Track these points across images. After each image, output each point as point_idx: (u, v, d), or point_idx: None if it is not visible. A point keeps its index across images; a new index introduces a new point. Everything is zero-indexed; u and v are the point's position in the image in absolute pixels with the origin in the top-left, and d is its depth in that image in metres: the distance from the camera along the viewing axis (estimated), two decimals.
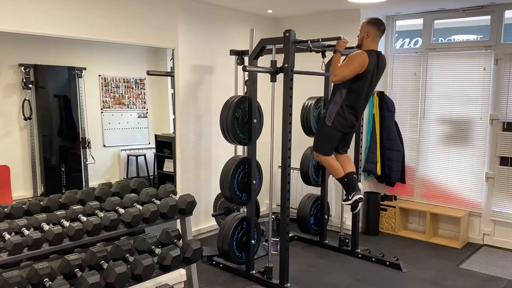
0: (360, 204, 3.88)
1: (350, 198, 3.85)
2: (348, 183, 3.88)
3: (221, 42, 5.11)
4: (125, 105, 6.19)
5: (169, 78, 6.24)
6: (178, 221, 3.13)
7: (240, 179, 4.05)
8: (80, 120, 5.71)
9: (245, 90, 4.42)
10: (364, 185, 5.37)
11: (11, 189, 4.93)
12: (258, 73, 4.04)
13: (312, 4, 5.00)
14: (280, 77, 3.69)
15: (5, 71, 5.00)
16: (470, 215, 5.14)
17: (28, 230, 2.50)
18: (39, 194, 5.24)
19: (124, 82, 6.15)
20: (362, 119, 4.36)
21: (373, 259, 4.49)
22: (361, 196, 3.86)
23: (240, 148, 4.67)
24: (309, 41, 3.69)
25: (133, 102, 6.27)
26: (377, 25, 3.69)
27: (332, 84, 3.84)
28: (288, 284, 3.79)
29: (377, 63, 3.70)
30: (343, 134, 3.88)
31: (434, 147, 5.37)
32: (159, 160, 6.40)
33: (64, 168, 5.59)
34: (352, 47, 3.93)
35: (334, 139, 3.86)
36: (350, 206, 3.91)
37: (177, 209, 2.98)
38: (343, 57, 3.84)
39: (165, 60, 6.05)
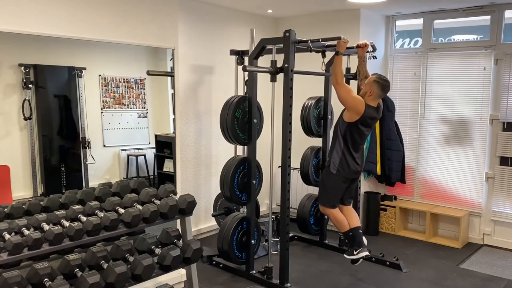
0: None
1: (355, 253, 3.79)
2: (354, 238, 3.85)
3: (221, 42, 5.11)
4: (125, 105, 6.18)
5: (169, 78, 6.24)
6: (178, 221, 3.13)
7: (240, 179, 4.05)
8: (80, 120, 5.71)
9: (245, 90, 4.41)
10: (364, 185, 5.38)
11: (11, 189, 4.93)
12: (258, 73, 4.04)
13: (312, 4, 5.00)
14: (280, 77, 3.69)
15: (5, 71, 4.99)
16: (470, 215, 5.14)
17: (28, 230, 2.50)
18: (39, 194, 5.23)
19: (124, 82, 6.14)
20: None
21: (373, 259, 4.48)
22: (368, 253, 3.82)
23: (240, 148, 4.67)
24: (309, 41, 3.69)
25: (133, 102, 6.27)
26: (382, 87, 3.68)
27: (333, 83, 3.84)
28: (288, 284, 3.79)
29: (373, 116, 3.72)
30: (349, 183, 3.89)
31: (434, 147, 5.37)
32: (159, 160, 6.39)
33: (64, 168, 5.58)
34: (352, 47, 3.93)
35: (340, 188, 3.86)
36: (350, 260, 3.85)
37: (177, 209, 2.98)
38: (344, 57, 3.84)
39: (165, 60, 6.05)
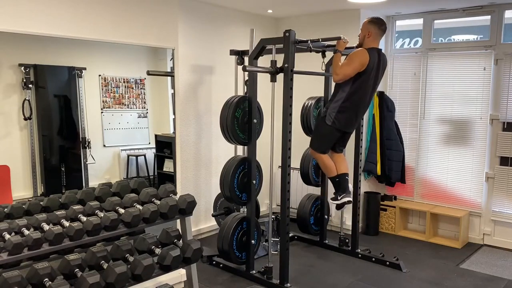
0: (346, 205, 3.93)
1: (339, 198, 3.88)
2: (339, 183, 3.91)
3: (221, 42, 5.11)
4: (125, 105, 6.18)
5: (169, 78, 6.24)
6: (178, 221, 3.13)
7: (240, 179, 4.05)
8: (80, 120, 5.71)
9: (245, 90, 4.42)
10: (364, 185, 5.37)
11: (11, 189, 4.93)
12: (258, 73, 4.04)
13: (312, 4, 5.00)
14: (280, 77, 3.70)
15: (5, 71, 4.99)
16: (470, 215, 5.15)
17: (28, 230, 2.50)
18: (39, 194, 5.23)
19: (124, 82, 6.14)
20: (362, 119, 4.36)
21: (373, 259, 4.49)
22: (350, 199, 3.90)
23: (240, 148, 4.67)
24: (309, 41, 3.69)
25: (133, 102, 6.27)
26: (378, 24, 3.70)
27: (334, 83, 3.84)
28: (288, 284, 3.79)
29: (378, 61, 3.70)
30: (342, 133, 3.89)
31: (434, 147, 5.37)
32: (159, 160, 6.39)
33: (64, 168, 5.58)
34: (352, 47, 3.93)
35: (333, 137, 3.87)
36: (335, 205, 3.95)
37: (177, 209, 2.98)
38: (343, 57, 3.84)
39: (165, 60, 6.04)
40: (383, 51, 5.47)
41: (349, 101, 3.71)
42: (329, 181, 4.81)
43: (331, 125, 3.77)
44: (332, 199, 3.96)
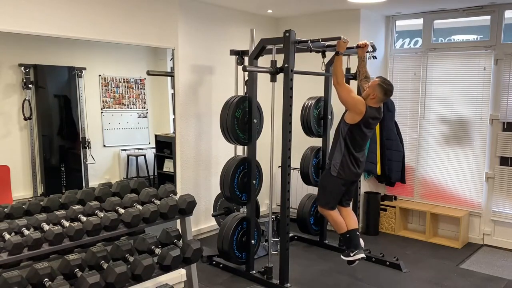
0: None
1: (351, 255, 3.83)
2: (351, 240, 3.88)
3: (221, 42, 5.11)
4: (125, 105, 6.18)
5: (169, 78, 6.24)
6: (178, 221, 3.13)
7: (240, 179, 4.05)
8: (80, 120, 5.71)
9: (245, 90, 4.41)
10: (364, 185, 5.38)
11: (11, 189, 4.93)
12: (258, 73, 4.04)
13: (312, 4, 5.00)
14: (280, 77, 3.70)
15: (5, 71, 4.99)
16: (470, 215, 5.14)
17: (28, 230, 2.50)
18: (39, 194, 5.23)
19: (124, 82, 6.14)
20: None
21: (373, 259, 4.48)
22: (364, 255, 3.85)
23: (240, 148, 4.67)
24: (309, 41, 3.69)
25: (133, 102, 6.27)
26: (385, 91, 3.68)
27: (333, 86, 3.84)
28: (288, 284, 3.79)
29: (375, 116, 3.73)
30: (348, 185, 3.91)
31: (434, 147, 5.37)
32: (159, 160, 6.39)
33: (64, 168, 5.59)
34: (352, 47, 3.93)
35: (339, 191, 3.88)
36: (347, 261, 3.88)
37: (177, 209, 2.98)
38: (344, 57, 3.84)
39: (165, 60, 6.05)
40: (383, 51, 5.51)
41: (348, 152, 3.74)
42: None
43: (337, 176, 3.79)
44: (344, 255, 3.90)
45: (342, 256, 3.92)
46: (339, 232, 3.95)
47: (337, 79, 3.66)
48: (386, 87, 3.67)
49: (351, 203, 4.10)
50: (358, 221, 4.66)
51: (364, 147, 3.90)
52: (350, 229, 3.89)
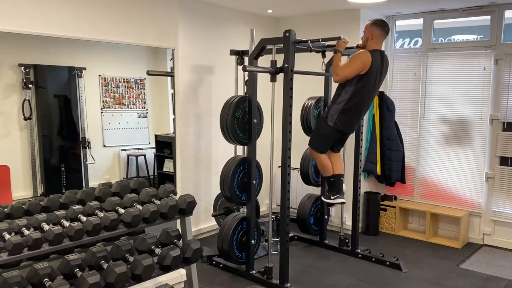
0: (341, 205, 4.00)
1: (332, 198, 3.91)
2: (334, 183, 3.94)
3: (221, 42, 5.11)
4: (125, 105, 6.18)
5: (169, 78, 6.23)
6: (178, 221, 3.13)
7: (240, 179, 4.05)
8: (80, 120, 5.70)
9: (245, 90, 4.41)
10: (364, 185, 5.38)
11: (11, 189, 4.93)
12: (258, 73, 4.04)
13: (312, 4, 5.00)
14: (280, 77, 3.70)
15: (5, 71, 4.99)
16: (470, 215, 5.14)
17: (28, 230, 2.50)
18: (39, 194, 5.23)
19: (124, 82, 6.14)
20: (362, 119, 4.36)
21: (373, 259, 4.49)
22: (344, 200, 3.94)
23: (240, 148, 4.67)
24: (309, 41, 3.69)
25: (133, 102, 6.27)
26: (381, 26, 3.70)
27: (334, 83, 3.84)
28: (288, 284, 3.79)
29: (381, 63, 3.70)
30: (342, 135, 3.90)
31: (434, 147, 5.37)
32: (159, 160, 6.39)
33: (64, 168, 5.58)
34: (352, 47, 3.93)
35: (332, 138, 3.89)
36: (326, 202, 4.00)
37: (177, 209, 2.98)
38: (344, 57, 3.84)
39: (165, 60, 6.04)
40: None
41: (351, 103, 3.70)
42: None
43: (333, 126, 3.78)
44: (325, 197, 4.00)
45: (322, 198, 4.06)
46: (324, 175, 4.00)
47: (336, 72, 3.66)
48: (380, 22, 3.72)
49: (341, 150, 4.11)
50: (358, 221, 4.67)
51: (369, 102, 3.84)
52: (335, 173, 3.93)
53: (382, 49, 3.81)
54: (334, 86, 3.97)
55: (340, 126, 3.77)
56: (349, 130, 3.89)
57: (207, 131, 5.12)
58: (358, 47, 3.93)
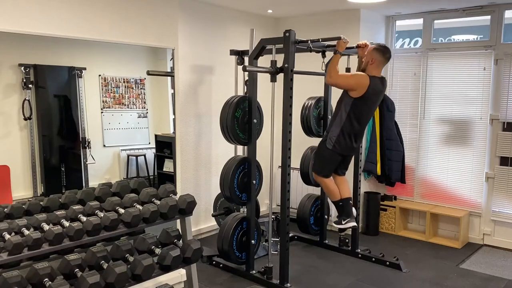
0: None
1: (342, 222, 3.87)
2: (343, 208, 3.90)
3: (221, 42, 5.11)
4: (125, 105, 6.18)
5: (169, 78, 6.23)
6: (178, 221, 3.13)
7: (240, 179, 4.05)
8: (80, 120, 5.70)
9: (245, 90, 4.41)
10: (364, 185, 5.38)
11: (11, 189, 4.92)
12: (258, 73, 4.04)
13: (312, 4, 5.00)
14: (280, 77, 3.69)
15: (5, 71, 4.99)
16: (470, 215, 5.14)
17: (28, 230, 2.50)
18: (39, 194, 5.23)
19: (124, 82, 6.14)
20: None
21: (373, 259, 4.49)
22: (355, 224, 3.90)
23: (240, 148, 4.67)
24: (309, 41, 3.69)
25: (133, 102, 6.26)
26: (383, 52, 3.67)
27: (329, 84, 3.84)
28: (288, 284, 3.79)
29: (380, 89, 3.70)
30: (343, 157, 3.90)
31: (434, 147, 5.37)
32: (159, 160, 6.39)
33: (64, 168, 5.58)
34: (352, 47, 3.93)
35: (334, 161, 3.87)
36: (338, 228, 3.96)
37: (177, 209, 2.98)
38: (344, 57, 3.83)
39: (165, 60, 6.04)
40: None
41: (348, 126, 3.71)
42: None
43: (332, 149, 3.78)
44: (336, 222, 3.94)
45: (334, 223, 3.99)
46: (332, 200, 3.98)
47: (330, 75, 3.63)
48: (382, 49, 3.67)
49: (346, 172, 4.09)
50: (358, 221, 4.67)
51: (364, 125, 3.85)
52: (343, 197, 3.91)
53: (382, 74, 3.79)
54: (328, 83, 3.94)
55: (339, 149, 3.78)
56: (348, 152, 3.88)
57: (207, 131, 5.12)
58: (358, 47, 3.92)
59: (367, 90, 3.59)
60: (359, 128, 3.76)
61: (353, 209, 3.98)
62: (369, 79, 3.59)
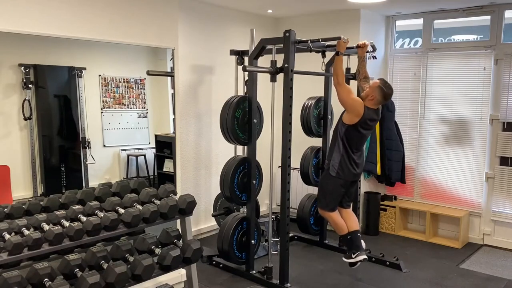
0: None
1: (353, 257, 3.82)
2: (352, 241, 3.87)
3: (221, 42, 5.11)
4: (125, 105, 6.17)
5: (169, 78, 6.23)
6: (178, 221, 3.13)
7: (240, 179, 4.05)
8: (80, 120, 5.70)
9: (245, 90, 4.41)
10: (364, 185, 5.38)
11: (11, 189, 4.92)
12: (258, 73, 4.04)
13: (312, 4, 4.99)
14: (280, 77, 3.70)
15: (5, 71, 4.99)
16: (470, 215, 5.14)
17: (28, 230, 2.50)
18: (39, 194, 5.22)
19: (124, 82, 6.13)
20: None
21: (373, 259, 4.48)
22: (366, 257, 3.83)
23: (240, 148, 4.67)
24: (309, 41, 3.69)
25: (133, 102, 6.26)
26: (384, 94, 3.68)
27: (335, 84, 3.84)
28: (288, 284, 3.79)
29: (373, 117, 3.73)
30: (348, 185, 3.90)
31: (434, 147, 5.37)
32: (159, 160, 6.39)
33: (64, 168, 5.58)
34: (352, 47, 3.93)
35: (339, 192, 3.87)
36: (349, 263, 3.88)
37: (177, 209, 2.98)
38: (344, 58, 3.83)
39: (165, 60, 6.04)
40: (383, 51, 5.51)
41: (346, 153, 3.74)
42: None
43: (336, 176, 3.79)
44: (346, 257, 3.90)
45: (344, 258, 3.91)
46: (340, 234, 3.95)
47: (338, 79, 3.66)
48: (386, 91, 3.67)
49: (352, 205, 4.09)
50: (358, 221, 4.66)
51: (362, 148, 3.90)
52: (351, 230, 3.89)
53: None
54: (334, 86, 3.95)
55: (343, 175, 3.79)
56: (352, 178, 3.88)
57: (207, 131, 5.12)
58: (358, 47, 3.93)
59: (360, 119, 3.64)
60: (355, 153, 3.78)
61: (362, 242, 3.92)
62: (364, 110, 3.63)
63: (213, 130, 5.08)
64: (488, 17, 4.90)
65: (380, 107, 3.80)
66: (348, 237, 3.88)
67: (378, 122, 5.24)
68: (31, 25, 3.61)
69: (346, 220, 3.93)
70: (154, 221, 2.87)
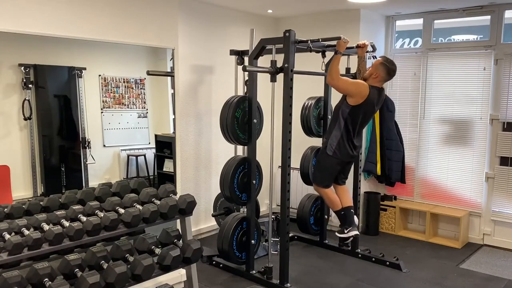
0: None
1: (345, 231, 3.86)
2: (345, 217, 3.91)
3: (221, 42, 5.11)
4: (125, 105, 6.18)
5: (169, 78, 6.23)
6: (178, 221, 3.13)
7: (240, 179, 4.05)
8: (80, 120, 5.70)
9: (245, 90, 4.41)
10: (364, 185, 5.38)
11: (11, 189, 4.92)
12: (258, 73, 4.04)
13: (312, 4, 5.00)
14: (280, 77, 3.70)
15: (5, 71, 4.99)
16: (470, 215, 5.14)
17: (28, 230, 2.50)
18: (39, 194, 5.23)
19: (124, 82, 6.14)
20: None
21: (373, 259, 4.49)
22: (357, 233, 3.90)
23: (240, 148, 4.67)
24: (309, 41, 3.69)
25: (133, 102, 6.26)
26: (388, 70, 3.70)
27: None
28: (288, 284, 3.79)
29: (378, 98, 3.73)
30: (344, 164, 3.91)
31: (434, 147, 5.37)
32: (159, 160, 6.39)
33: (64, 168, 5.58)
34: (352, 47, 3.93)
35: (334, 169, 3.89)
36: (341, 238, 3.95)
37: (177, 209, 2.98)
38: (344, 58, 3.83)
39: (165, 60, 6.04)
40: (383, 51, 5.51)
41: (347, 133, 3.74)
42: None
43: (333, 155, 3.80)
44: (339, 232, 3.94)
45: (336, 233, 3.97)
46: (334, 210, 3.99)
47: (331, 76, 3.65)
48: (389, 66, 3.68)
49: (346, 181, 4.10)
50: (358, 221, 4.67)
51: (361, 132, 3.91)
52: (344, 206, 3.92)
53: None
54: (328, 83, 3.94)
55: (340, 155, 3.79)
56: (348, 158, 3.90)
57: (207, 131, 5.12)
58: (358, 47, 3.93)
59: (365, 99, 3.63)
60: (356, 137, 3.79)
61: (355, 218, 3.97)
62: (369, 89, 3.63)
63: (213, 130, 5.08)
64: (488, 17, 4.90)
65: (383, 90, 3.78)
66: (342, 212, 3.91)
67: (378, 122, 5.28)
68: (31, 25, 3.61)
69: (341, 196, 3.95)
70: (154, 221, 2.87)
